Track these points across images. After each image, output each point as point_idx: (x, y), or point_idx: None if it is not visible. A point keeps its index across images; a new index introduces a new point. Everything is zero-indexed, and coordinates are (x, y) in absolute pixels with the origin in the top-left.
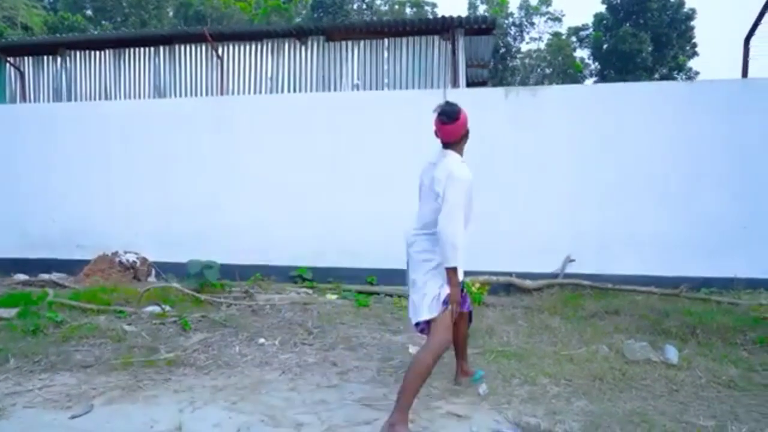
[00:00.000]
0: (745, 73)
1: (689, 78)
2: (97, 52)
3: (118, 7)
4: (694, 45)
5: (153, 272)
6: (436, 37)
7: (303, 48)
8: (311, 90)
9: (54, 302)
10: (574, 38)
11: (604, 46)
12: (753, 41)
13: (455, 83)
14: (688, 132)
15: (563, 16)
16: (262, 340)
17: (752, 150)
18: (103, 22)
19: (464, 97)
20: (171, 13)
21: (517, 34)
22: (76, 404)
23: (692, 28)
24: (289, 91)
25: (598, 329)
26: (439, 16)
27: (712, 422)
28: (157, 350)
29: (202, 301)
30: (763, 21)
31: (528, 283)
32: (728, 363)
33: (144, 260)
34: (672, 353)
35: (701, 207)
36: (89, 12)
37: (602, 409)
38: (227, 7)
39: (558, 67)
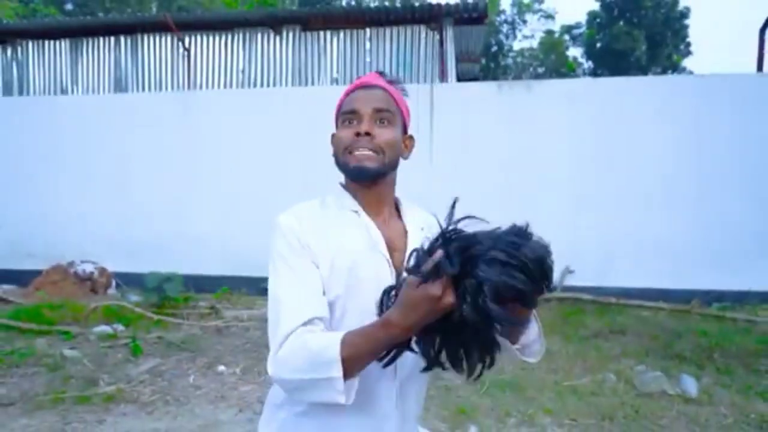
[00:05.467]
0: (760, 66)
1: None
2: (53, 42)
3: (99, 2)
4: (689, 44)
5: (113, 284)
6: (423, 27)
7: (277, 38)
8: (286, 84)
9: None
10: (567, 36)
11: (598, 45)
12: None
13: (443, 77)
14: (699, 130)
15: (556, 13)
16: (221, 368)
17: None
18: (85, 17)
19: (454, 92)
20: (154, 9)
21: (509, 31)
22: None
23: (687, 27)
24: (262, 85)
25: (603, 352)
26: (426, 3)
27: None
28: (96, 382)
29: (160, 320)
30: None
31: None
32: (755, 395)
33: (103, 271)
34: (690, 384)
35: (712, 212)
36: (69, 6)
37: None
38: (212, 2)
39: (551, 65)
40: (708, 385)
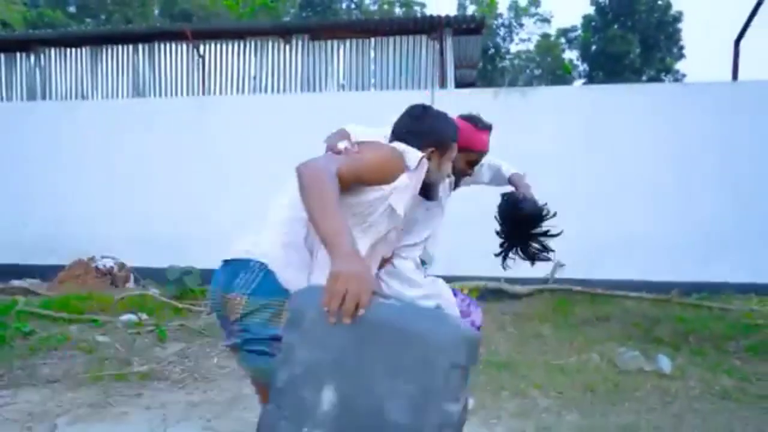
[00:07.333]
0: (735, 76)
1: (677, 80)
2: (74, 50)
3: (101, 4)
4: (681, 47)
5: (132, 278)
6: (424, 37)
7: (287, 47)
8: (295, 90)
9: (23, 311)
10: (562, 39)
11: (593, 48)
12: (743, 43)
13: (443, 84)
14: (680, 134)
15: (552, 17)
16: None
17: (743, 152)
18: (87, 19)
19: (452, 99)
20: (156, 11)
21: (506, 34)
22: (38, 423)
23: (679, 31)
24: (272, 91)
25: (589, 337)
26: (427, 15)
27: None
28: (130, 363)
29: (181, 308)
30: (753, 23)
31: (518, 288)
32: (722, 372)
33: (122, 265)
34: (664, 363)
35: (692, 210)
36: (72, 9)
37: (594, 423)
38: (213, 5)
39: (547, 68)
40: (681, 364)
